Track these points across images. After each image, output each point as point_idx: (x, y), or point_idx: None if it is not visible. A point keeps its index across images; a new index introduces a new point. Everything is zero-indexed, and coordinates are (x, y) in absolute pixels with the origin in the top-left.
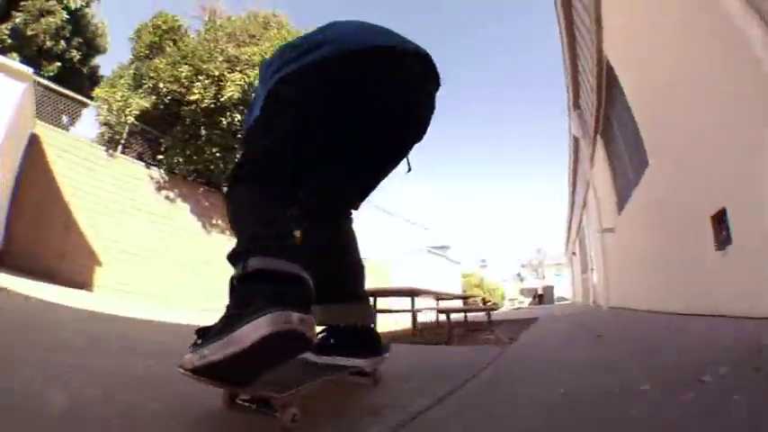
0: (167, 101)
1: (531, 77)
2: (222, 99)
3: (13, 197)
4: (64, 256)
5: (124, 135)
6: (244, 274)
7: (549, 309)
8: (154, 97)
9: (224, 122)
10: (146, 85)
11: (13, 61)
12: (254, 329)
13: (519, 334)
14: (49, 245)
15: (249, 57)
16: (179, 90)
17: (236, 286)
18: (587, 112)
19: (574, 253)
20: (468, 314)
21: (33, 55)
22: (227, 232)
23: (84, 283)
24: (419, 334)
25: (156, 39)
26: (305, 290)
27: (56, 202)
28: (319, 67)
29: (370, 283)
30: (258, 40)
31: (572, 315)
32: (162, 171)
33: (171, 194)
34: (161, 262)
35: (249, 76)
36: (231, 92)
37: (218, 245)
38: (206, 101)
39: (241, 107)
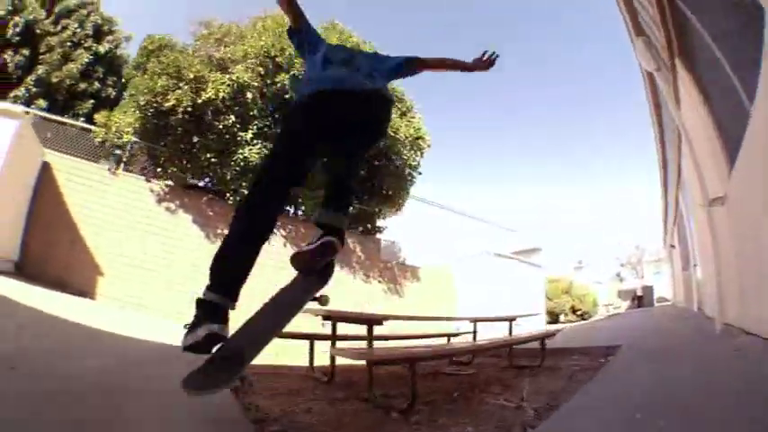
0: (150, 113)
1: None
2: (200, 101)
3: (29, 217)
4: (70, 269)
5: (126, 153)
6: (202, 298)
7: (645, 317)
8: (137, 112)
9: (219, 125)
10: (130, 103)
11: (2, 102)
12: (200, 331)
13: (566, 391)
14: (58, 258)
15: (232, 54)
16: (155, 100)
17: (199, 302)
18: (652, 26)
19: (672, 245)
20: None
21: (66, 98)
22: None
23: (87, 293)
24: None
25: (143, 59)
26: (224, 313)
27: (63, 221)
28: (310, 98)
29: (429, 292)
30: (250, 39)
31: (673, 343)
32: (162, 184)
33: (172, 206)
34: (164, 273)
35: (234, 74)
36: (212, 92)
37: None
38: (183, 105)
39: (237, 108)
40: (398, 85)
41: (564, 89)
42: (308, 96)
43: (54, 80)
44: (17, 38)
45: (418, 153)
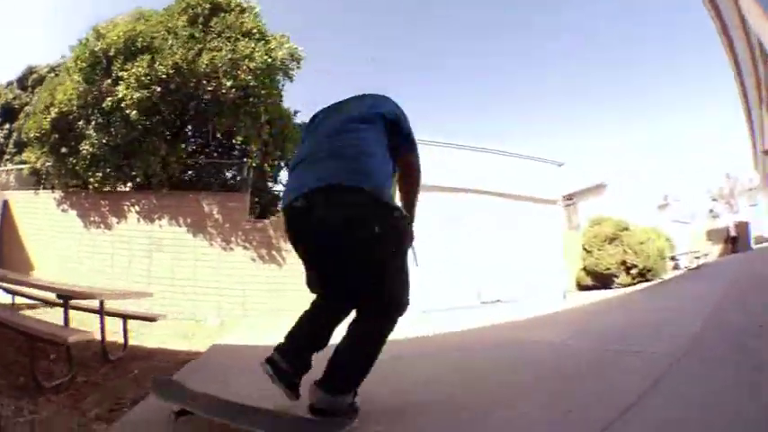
0: (35, 144)
1: None
2: (50, 119)
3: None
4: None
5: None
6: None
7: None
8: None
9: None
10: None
11: None
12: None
13: None
14: (19, 262)
15: None
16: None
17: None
18: None
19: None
20: None
21: None
22: (102, 226)
23: None
24: None
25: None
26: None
27: (18, 236)
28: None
29: None
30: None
31: None
32: (57, 193)
33: (65, 207)
34: (78, 261)
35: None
36: (54, 111)
37: (99, 242)
38: (43, 130)
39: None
40: None
41: None
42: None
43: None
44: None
45: (280, 81)
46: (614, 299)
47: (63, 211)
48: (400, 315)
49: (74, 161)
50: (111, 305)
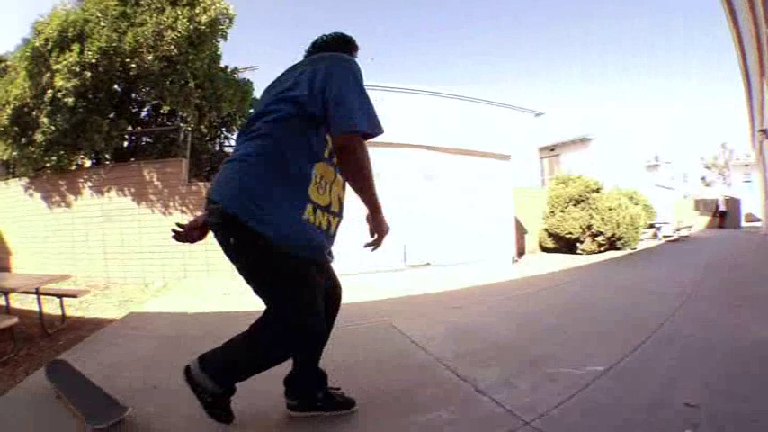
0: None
1: None
2: (7, 115)
3: None
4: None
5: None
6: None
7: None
8: None
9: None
10: None
11: None
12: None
13: None
14: None
15: None
16: None
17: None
18: None
19: (763, 130)
20: None
21: None
22: (63, 205)
23: (5, 268)
24: None
25: None
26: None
27: None
28: None
29: None
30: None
31: None
32: (23, 180)
33: (32, 192)
34: (45, 243)
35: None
36: (10, 109)
37: (62, 220)
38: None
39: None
40: None
41: None
42: None
43: None
44: None
45: (216, 42)
46: (556, 275)
47: (30, 196)
48: (291, 335)
49: (32, 150)
50: (50, 286)
